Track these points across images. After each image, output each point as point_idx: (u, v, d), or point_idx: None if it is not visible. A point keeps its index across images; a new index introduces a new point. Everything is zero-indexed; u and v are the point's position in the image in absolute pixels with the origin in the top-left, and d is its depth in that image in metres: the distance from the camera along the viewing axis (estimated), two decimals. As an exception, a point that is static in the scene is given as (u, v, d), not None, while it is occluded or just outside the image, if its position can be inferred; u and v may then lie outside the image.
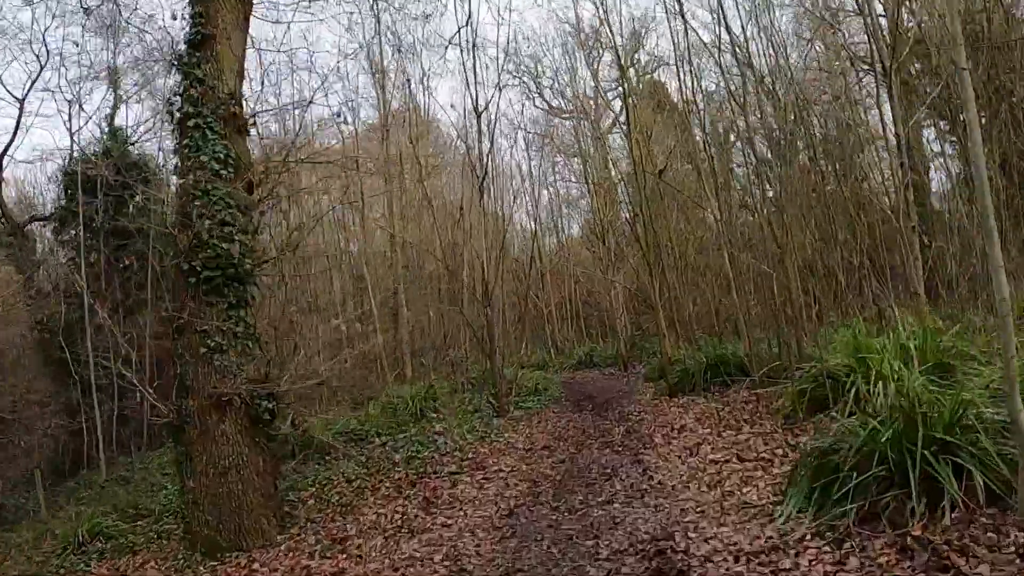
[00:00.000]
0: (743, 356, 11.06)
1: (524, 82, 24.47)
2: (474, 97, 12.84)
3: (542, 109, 25.60)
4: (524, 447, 8.38)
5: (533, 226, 15.64)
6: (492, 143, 12.61)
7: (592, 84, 22.21)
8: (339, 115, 9.29)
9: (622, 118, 22.28)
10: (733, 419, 7.59)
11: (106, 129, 16.28)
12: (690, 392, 10.94)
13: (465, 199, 14.95)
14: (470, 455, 8.26)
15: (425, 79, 25.33)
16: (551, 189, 26.88)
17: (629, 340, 19.64)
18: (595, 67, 22.37)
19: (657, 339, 19.63)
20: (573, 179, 26.87)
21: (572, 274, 24.21)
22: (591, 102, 23.22)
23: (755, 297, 12.14)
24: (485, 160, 12.48)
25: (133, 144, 16.35)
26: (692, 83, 11.75)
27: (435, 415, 12.09)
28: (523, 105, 26.36)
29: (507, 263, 21.82)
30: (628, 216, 15.47)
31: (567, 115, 25.18)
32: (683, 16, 10.31)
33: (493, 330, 12.13)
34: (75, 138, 15.75)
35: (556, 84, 24.29)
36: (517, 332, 17.77)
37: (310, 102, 8.44)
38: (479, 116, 12.89)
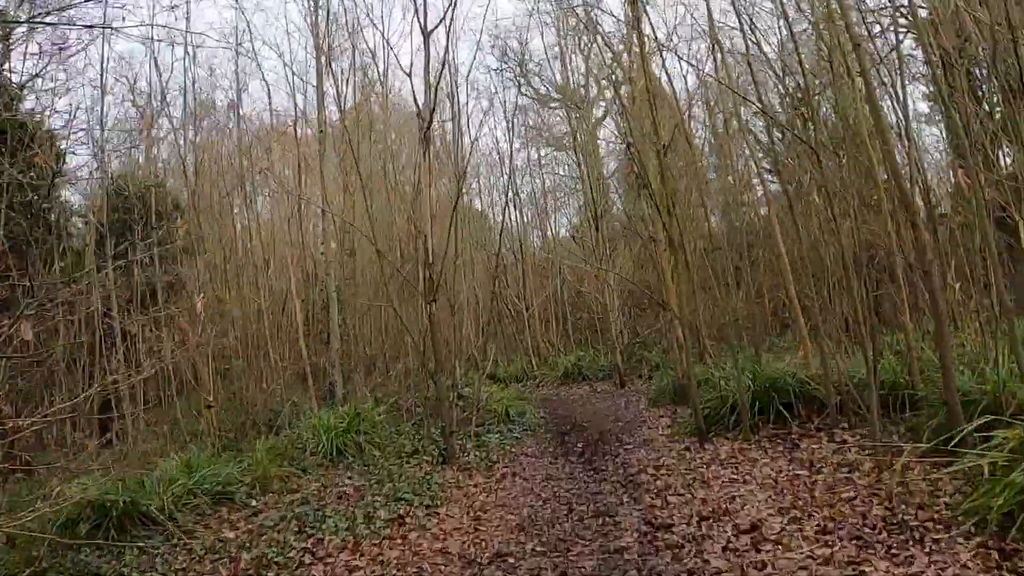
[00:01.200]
0: (809, 379, 7.42)
1: (510, 67, 21.25)
2: (423, 15, 9.19)
3: (529, 97, 22.22)
4: (462, 550, 4.65)
5: (506, 200, 11.77)
6: (444, 67, 8.89)
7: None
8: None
9: (624, 91, 18.87)
10: (856, 514, 3.91)
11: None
12: (732, 432, 7.23)
13: (422, 173, 11.17)
14: (363, 564, 4.54)
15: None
16: (538, 179, 23.27)
17: (627, 350, 15.95)
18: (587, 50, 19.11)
19: (659, 348, 16.11)
20: (562, 172, 23.50)
21: (559, 270, 20.52)
22: (582, 89, 20.05)
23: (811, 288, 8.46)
24: (432, 95, 8.74)
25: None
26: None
27: (355, 458, 8.40)
28: (500, 72, 22.76)
29: (483, 260, 18.20)
30: (633, 165, 11.83)
31: (556, 103, 21.87)
32: None
33: (439, 339, 8.40)
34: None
35: (544, 69, 21.06)
36: (488, 335, 14.08)
37: None
38: (427, 37, 9.20)
